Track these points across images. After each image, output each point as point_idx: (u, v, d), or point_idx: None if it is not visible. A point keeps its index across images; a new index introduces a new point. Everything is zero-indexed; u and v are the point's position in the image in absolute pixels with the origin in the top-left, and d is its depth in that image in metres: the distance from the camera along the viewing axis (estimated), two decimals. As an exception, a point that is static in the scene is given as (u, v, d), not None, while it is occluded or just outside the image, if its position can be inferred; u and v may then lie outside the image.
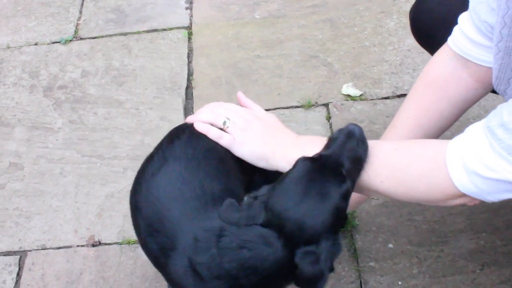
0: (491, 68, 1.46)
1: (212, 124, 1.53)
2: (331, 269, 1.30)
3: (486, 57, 1.48)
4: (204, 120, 1.54)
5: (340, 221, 1.34)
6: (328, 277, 1.30)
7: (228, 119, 1.53)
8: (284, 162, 1.45)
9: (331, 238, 1.29)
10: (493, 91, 1.59)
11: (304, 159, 1.35)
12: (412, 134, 1.60)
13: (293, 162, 1.39)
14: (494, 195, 1.24)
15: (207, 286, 1.34)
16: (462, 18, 1.51)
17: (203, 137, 1.52)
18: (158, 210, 1.42)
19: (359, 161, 1.36)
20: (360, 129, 1.38)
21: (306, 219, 1.28)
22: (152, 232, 1.44)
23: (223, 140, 1.51)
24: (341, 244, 1.33)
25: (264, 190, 1.35)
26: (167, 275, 1.45)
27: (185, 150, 1.49)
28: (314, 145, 1.44)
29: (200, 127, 1.52)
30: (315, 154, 1.36)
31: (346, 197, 1.32)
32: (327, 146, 1.38)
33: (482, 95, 1.61)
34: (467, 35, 1.48)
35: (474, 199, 1.28)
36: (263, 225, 1.29)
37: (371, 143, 1.40)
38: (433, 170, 1.29)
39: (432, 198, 1.34)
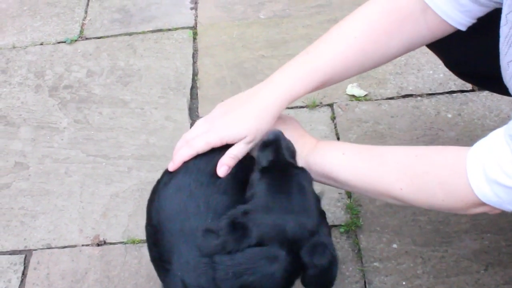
0: (447, 22, 1.46)
1: None
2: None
3: (450, 11, 1.45)
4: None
5: (319, 206, 1.37)
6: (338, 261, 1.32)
7: None
8: (305, 167, 1.45)
9: (322, 224, 1.32)
10: (487, 88, 1.58)
11: (261, 171, 1.35)
12: (353, 55, 1.50)
13: (314, 167, 1.41)
14: None
15: None
16: None
17: (218, 151, 1.46)
18: (162, 221, 1.41)
19: (293, 152, 1.41)
20: (275, 132, 1.40)
21: (303, 216, 1.29)
22: (155, 241, 1.44)
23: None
24: (328, 224, 1.35)
25: (240, 210, 1.32)
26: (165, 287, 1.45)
27: (198, 163, 1.46)
28: (333, 149, 1.45)
29: None
30: (265, 163, 1.37)
31: (311, 181, 1.37)
32: (259, 158, 1.40)
33: (423, 45, 1.59)
34: None
35: (494, 208, 1.26)
36: (258, 244, 1.28)
37: (389, 148, 1.41)
38: (453, 177, 1.28)
39: (452, 206, 1.33)
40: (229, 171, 1.43)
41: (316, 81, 1.50)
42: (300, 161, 1.46)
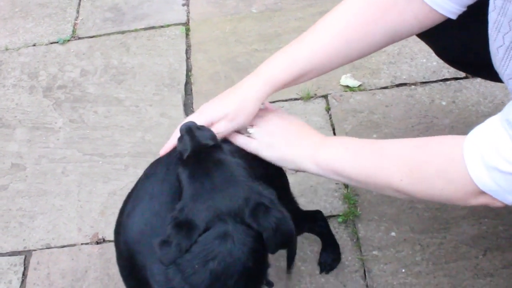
0: (435, 10, 1.44)
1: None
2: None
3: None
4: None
5: (247, 170, 1.36)
6: (290, 218, 1.29)
7: (251, 126, 1.53)
8: (312, 164, 1.46)
9: (257, 187, 1.31)
10: (480, 75, 1.57)
11: (181, 164, 1.38)
12: (333, 44, 1.51)
13: (321, 164, 1.42)
14: None
15: None
16: None
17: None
18: (132, 252, 1.41)
19: (212, 136, 1.42)
20: (186, 123, 1.43)
21: (229, 188, 1.29)
22: (130, 272, 1.44)
23: (251, 145, 1.51)
24: (270, 188, 1.33)
25: (176, 209, 1.31)
26: None
27: (161, 187, 1.46)
28: (337, 145, 1.46)
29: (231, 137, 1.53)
30: (184, 156, 1.39)
31: (232, 152, 1.40)
32: (179, 153, 1.42)
33: (412, 34, 1.56)
34: None
35: (494, 199, 1.24)
36: (205, 230, 1.26)
37: (390, 141, 1.41)
38: (451, 166, 1.27)
39: (451, 197, 1.32)
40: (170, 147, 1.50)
41: (297, 71, 1.51)
42: (309, 161, 1.47)
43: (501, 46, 1.31)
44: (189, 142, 1.39)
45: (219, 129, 1.48)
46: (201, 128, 1.43)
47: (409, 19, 1.49)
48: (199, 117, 1.49)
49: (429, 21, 1.49)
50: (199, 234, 1.26)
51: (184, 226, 1.27)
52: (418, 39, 2.00)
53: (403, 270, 1.92)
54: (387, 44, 1.57)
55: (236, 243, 1.25)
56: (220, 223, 1.26)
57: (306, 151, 1.48)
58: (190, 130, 1.41)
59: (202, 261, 1.25)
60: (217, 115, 1.49)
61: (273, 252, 1.31)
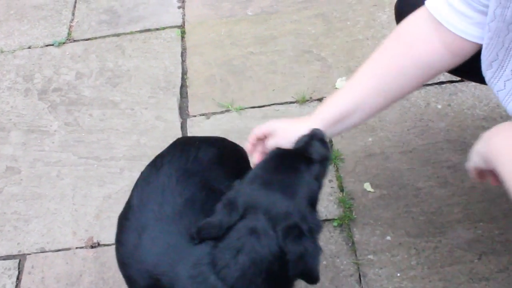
0: (462, 38, 1.46)
1: None
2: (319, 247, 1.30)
3: (461, 25, 1.45)
4: None
5: (313, 197, 1.37)
6: (320, 254, 1.29)
7: None
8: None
9: (309, 212, 1.31)
10: (474, 80, 1.58)
11: (276, 148, 1.43)
12: (369, 83, 1.57)
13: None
14: None
15: None
16: None
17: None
18: (155, 277, 1.39)
19: (324, 156, 1.43)
20: (321, 132, 1.46)
21: (277, 191, 1.31)
22: None
23: None
24: (320, 221, 1.34)
25: (235, 186, 1.36)
26: None
27: (161, 201, 1.46)
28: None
29: None
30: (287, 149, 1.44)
31: (316, 178, 1.38)
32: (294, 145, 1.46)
33: (449, 65, 1.57)
34: (447, 0, 1.47)
35: None
36: (241, 217, 1.29)
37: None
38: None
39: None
40: (250, 148, 1.58)
41: (342, 110, 1.57)
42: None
43: (495, 60, 1.38)
44: (320, 148, 1.42)
45: (256, 132, 1.59)
46: (324, 141, 1.46)
47: (438, 48, 1.51)
48: (261, 126, 1.59)
49: (460, 49, 1.49)
50: (238, 220, 1.30)
51: (229, 205, 1.32)
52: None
53: (398, 274, 1.92)
54: (422, 76, 1.58)
55: (261, 242, 1.27)
56: (253, 216, 1.29)
57: None
58: (322, 140, 1.44)
59: (233, 252, 1.28)
60: (266, 129, 1.58)
61: (291, 276, 1.31)
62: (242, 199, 1.31)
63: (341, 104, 1.57)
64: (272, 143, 1.53)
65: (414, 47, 1.53)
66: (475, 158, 1.30)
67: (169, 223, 1.42)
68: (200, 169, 1.53)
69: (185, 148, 1.60)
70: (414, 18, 1.56)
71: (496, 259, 1.91)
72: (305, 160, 1.39)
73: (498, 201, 2.04)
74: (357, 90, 1.57)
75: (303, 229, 1.28)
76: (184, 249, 1.37)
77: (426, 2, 1.52)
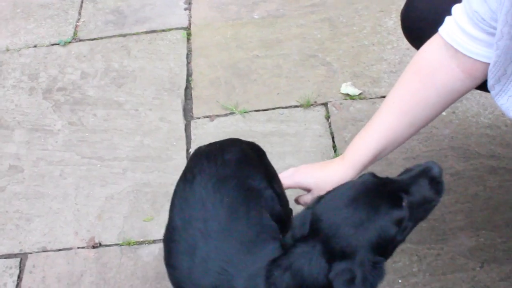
0: (479, 61, 1.47)
1: None
2: None
3: (476, 48, 1.47)
4: None
5: (385, 244, 1.27)
6: None
7: None
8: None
9: (371, 259, 1.24)
10: (480, 88, 1.59)
11: (370, 174, 1.34)
12: (397, 119, 1.60)
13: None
14: None
15: None
16: (456, 8, 1.51)
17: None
18: None
19: (427, 199, 1.33)
20: (440, 168, 1.34)
21: (344, 224, 1.24)
22: None
23: None
24: (385, 269, 1.25)
25: (320, 199, 1.33)
26: None
27: (204, 216, 1.43)
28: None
29: None
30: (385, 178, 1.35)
31: (397, 223, 1.27)
32: (399, 175, 1.37)
33: (470, 88, 1.59)
34: (459, 25, 1.48)
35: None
36: (309, 234, 1.27)
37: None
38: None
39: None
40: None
41: (374, 152, 1.62)
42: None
43: (504, 75, 1.41)
44: (426, 191, 1.33)
45: (290, 185, 1.68)
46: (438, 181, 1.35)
47: (458, 74, 1.54)
48: (291, 176, 1.69)
49: (477, 72, 1.52)
50: (303, 236, 1.29)
51: (305, 218, 1.31)
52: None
53: (400, 281, 1.91)
54: (447, 102, 1.62)
55: (311, 267, 1.25)
56: (312, 241, 1.26)
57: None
58: (435, 180, 1.34)
59: (283, 269, 1.28)
60: (303, 183, 1.68)
61: None
62: (314, 214, 1.29)
63: (374, 147, 1.61)
64: (310, 199, 1.56)
65: (435, 77, 1.56)
66: None
67: (218, 239, 1.39)
68: (231, 171, 1.49)
69: (209, 154, 1.55)
70: (431, 48, 1.59)
71: (498, 268, 1.90)
72: (392, 199, 1.28)
73: (501, 209, 2.04)
74: (388, 128, 1.61)
75: (356, 276, 1.21)
76: (239, 262, 1.35)
77: (439, 30, 1.55)
